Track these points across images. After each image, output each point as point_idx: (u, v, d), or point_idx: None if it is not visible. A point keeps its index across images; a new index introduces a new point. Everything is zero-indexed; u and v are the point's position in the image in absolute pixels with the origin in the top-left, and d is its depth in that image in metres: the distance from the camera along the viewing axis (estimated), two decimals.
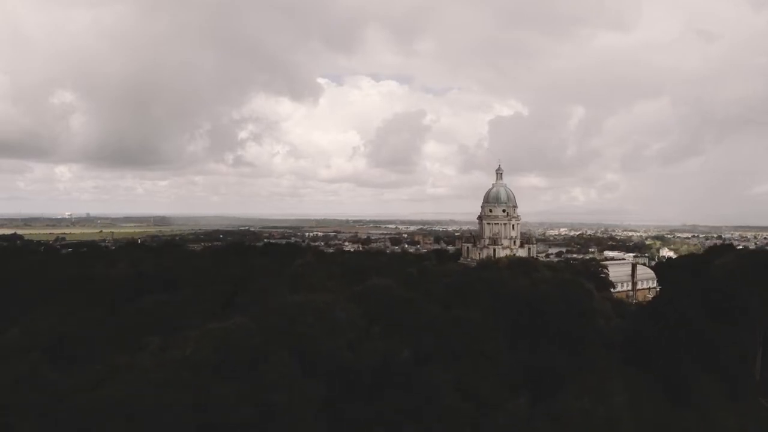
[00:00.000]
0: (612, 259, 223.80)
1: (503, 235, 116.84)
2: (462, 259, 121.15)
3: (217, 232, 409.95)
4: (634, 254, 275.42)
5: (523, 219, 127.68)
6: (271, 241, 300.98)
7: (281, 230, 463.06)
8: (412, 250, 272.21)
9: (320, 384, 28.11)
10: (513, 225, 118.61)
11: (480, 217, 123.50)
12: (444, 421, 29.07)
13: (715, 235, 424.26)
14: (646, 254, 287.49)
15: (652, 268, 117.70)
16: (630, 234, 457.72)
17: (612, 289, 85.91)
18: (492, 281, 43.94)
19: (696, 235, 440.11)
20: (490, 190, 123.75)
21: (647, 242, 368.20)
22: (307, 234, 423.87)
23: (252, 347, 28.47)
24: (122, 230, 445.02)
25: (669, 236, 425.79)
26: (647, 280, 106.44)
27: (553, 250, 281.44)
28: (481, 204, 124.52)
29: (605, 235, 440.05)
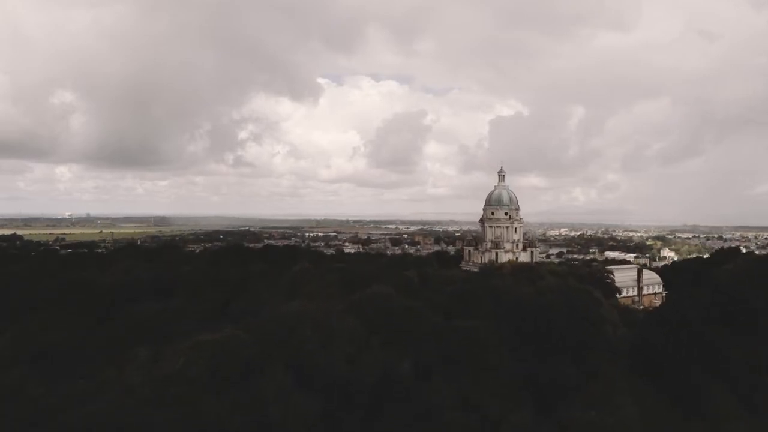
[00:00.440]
0: (613, 260, 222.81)
1: (505, 239, 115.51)
2: (463, 262, 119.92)
3: (217, 232, 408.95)
4: (635, 255, 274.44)
5: (524, 219, 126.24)
6: (271, 242, 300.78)
7: (281, 230, 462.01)
8: (412, 251, 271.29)
9: (317, 398, 27.03)
10: (515, 228, 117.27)
11: (482, 220, 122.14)
12: None
13: (715, 236, 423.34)
14: (647, 255, 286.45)
15: (657, 271, 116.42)
16: (631, 234, 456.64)
17: (618, 295, 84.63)
18: (496, 289, 42.78)
19: (697, 235, 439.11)
20: (492, 192, 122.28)
21: (648, 242, 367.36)
22: (307, 234, 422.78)
23: (246, 360, 27.34)
24: (122, 230, 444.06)
25: (670, 236, 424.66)
26: (653, 285, 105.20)
27: (554, 251, 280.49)
28: (483, 206, 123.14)
29: (606, 236, 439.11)
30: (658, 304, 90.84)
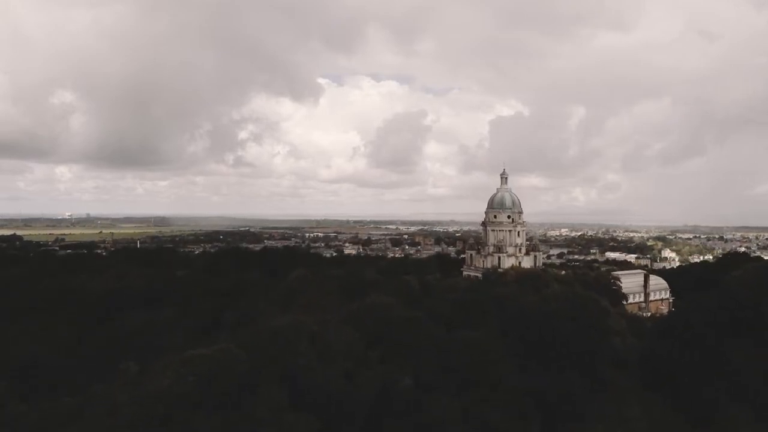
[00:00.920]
0: (614, 260, 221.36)
1: (508, 242, 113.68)
2: (465, 267, 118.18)
3: (217, 232, 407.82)
4: (635, 255, 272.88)
5: (525, 221, 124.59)
6: (271, 242, 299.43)
7: (282, 231, 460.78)
8: (412, 252, 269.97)
9: (313, 417, 25.69)
10: (518, 232, 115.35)
11: (484, 223, 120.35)
12: None
13: (716, 236, 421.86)
14: (648, 255, 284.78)
15: (663, 275, 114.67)
16: (631, 235, 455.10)
17: (624, 302, 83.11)
18: (499, 298, 41.33)
19: (697, 235, 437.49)
20: (494, 195, 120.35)
21: (649, 243, 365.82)
22: (307, 235, 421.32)
23: (238, 377, 25.99)
24: (122, 231, 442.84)
25: (670, 237, 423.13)
26: (660, 291, 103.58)
27: (554, 252, 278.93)
28: (485, 209, 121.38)
29: (606, 236, 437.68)
30: (665, 311, 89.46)
